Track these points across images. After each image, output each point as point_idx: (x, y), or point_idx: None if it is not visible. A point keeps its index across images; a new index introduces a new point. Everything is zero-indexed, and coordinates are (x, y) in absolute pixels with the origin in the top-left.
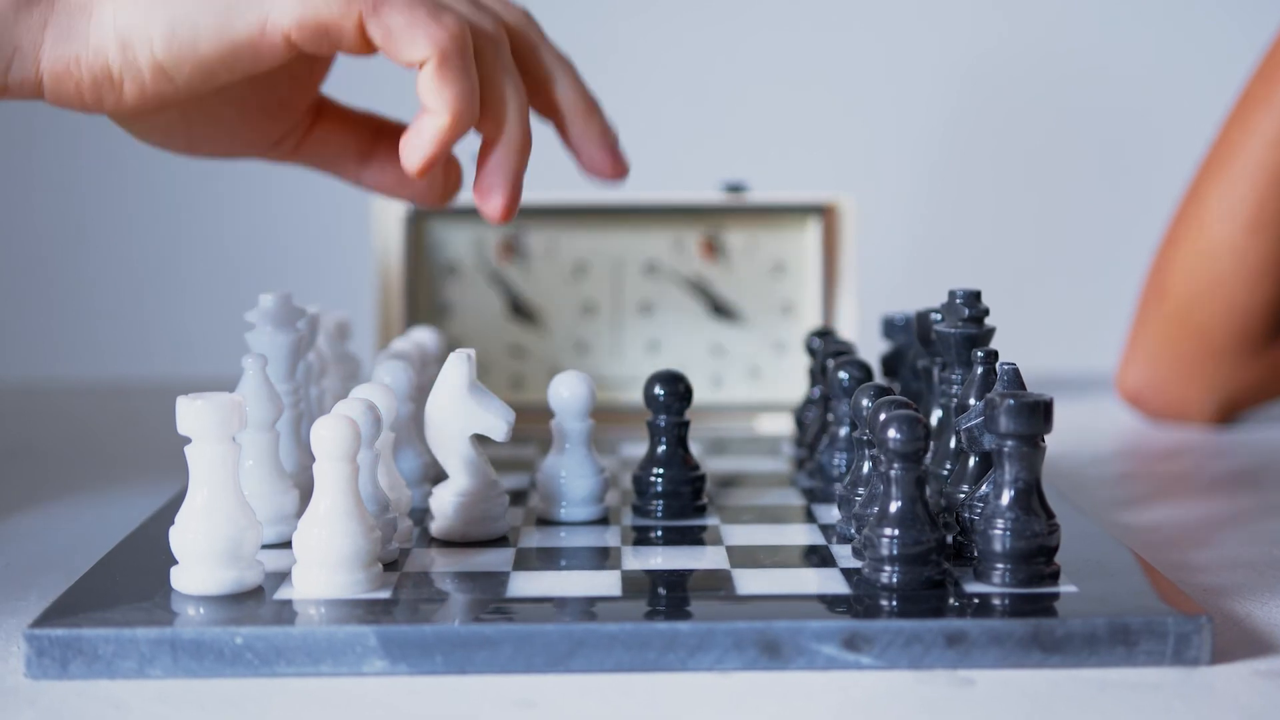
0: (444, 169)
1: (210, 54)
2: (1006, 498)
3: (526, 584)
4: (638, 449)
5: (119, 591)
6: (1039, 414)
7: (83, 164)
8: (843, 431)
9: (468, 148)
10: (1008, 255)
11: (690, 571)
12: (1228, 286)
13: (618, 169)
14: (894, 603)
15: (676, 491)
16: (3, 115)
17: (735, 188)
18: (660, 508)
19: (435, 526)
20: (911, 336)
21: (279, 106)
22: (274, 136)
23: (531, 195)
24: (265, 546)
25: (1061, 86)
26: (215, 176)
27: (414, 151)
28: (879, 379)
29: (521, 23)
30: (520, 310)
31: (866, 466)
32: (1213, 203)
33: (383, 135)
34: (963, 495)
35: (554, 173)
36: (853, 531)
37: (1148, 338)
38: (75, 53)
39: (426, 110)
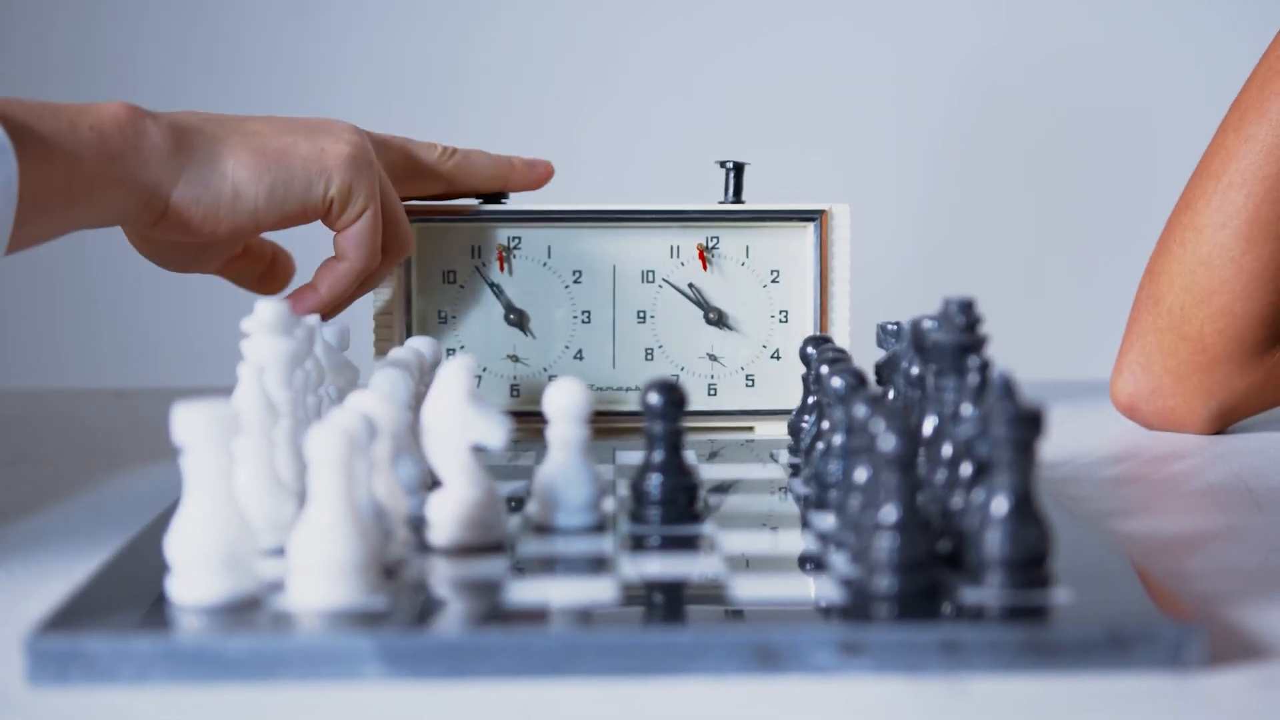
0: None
1: (290, 211)
2: (1001, 505)
3: (524, 592)
4: (634, 456)
5: (117, 600)
6: (1033, 422)
7: None
8: (838, 439)
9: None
10: (1002, 263)
11: (687, 578)
12: (1223, 295)
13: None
14: (890, 610)
15: (673, 498)
16: None
17: (734, 166)
18: (657, 514)
19: (432, 534)
20: (906, 344)
21: (242, 245)
22: (225, 262)
23: (529, 203)
24: (262, 554)
25: (1056, 96)
26: None
27: (301, 306)
28: (873, 387)
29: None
30: (517, 318)
31: (861, 474)
32: (1208, 211)
33: (276, 260)
34: (958, 502)
35: (550, 181)
36: (849, 539)
37: (1142, 346)
38: (197, 195)
39: (313, 287)
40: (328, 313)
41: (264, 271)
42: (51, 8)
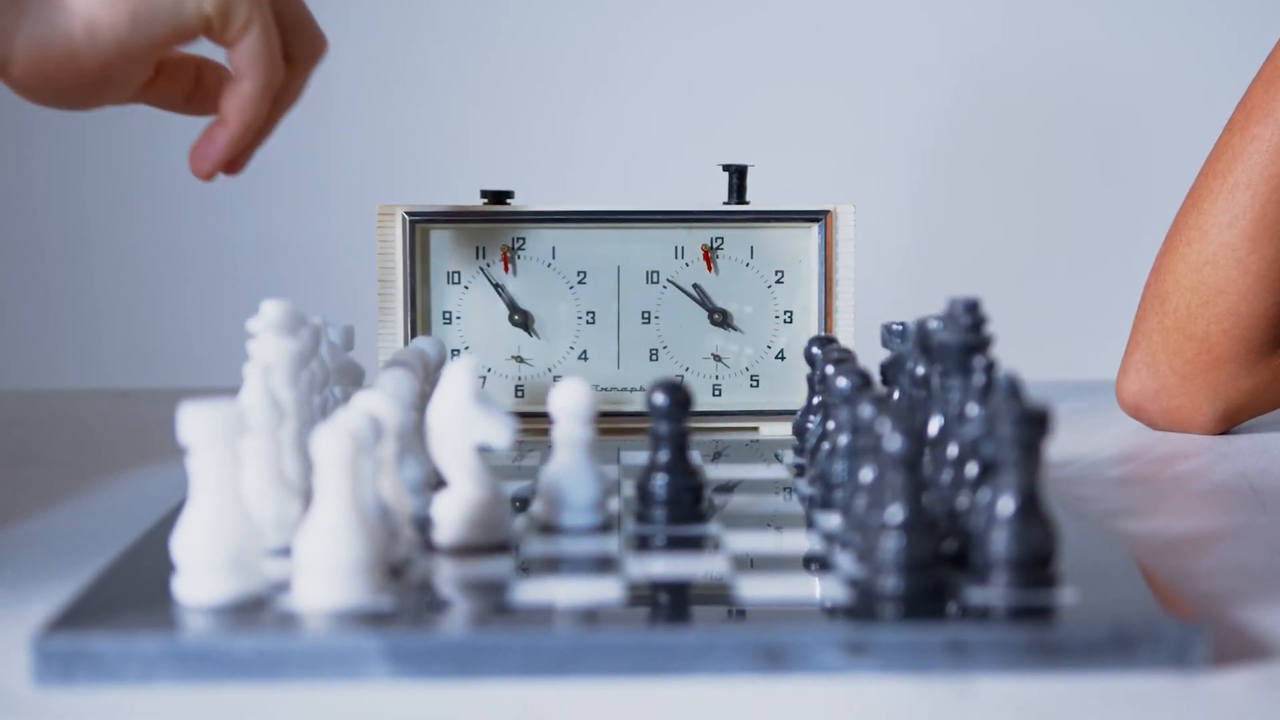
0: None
1: (162, 36)
2: (1006, 505)
3: (529, 591)
4: (639, 456)
5: (123, 600)
6: (1039, 421)
7: (87, 175)
8: (843, 439)
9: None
10: (1007, 263)
11: (692, 578)
12: (1229, 295)
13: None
14: (895, 610)
15: (678, 498)
16: (7, 129)
17: (736, 170)
18: (662, 514)
19: (438, 534)
20: (911, 344)
21: (153, 66)
22: (137, 88)
23: (533, 204)
24: (267, 554)
25: (1060, 94)
26: (220, 188)
27: (204, 160)
28: (878, 387)
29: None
30: (521, 318)
31: (866, 474)
32: (1214, 211)
33: (202, 72)
34: (963, 502)
35: (555, 182)
36: (854, 539)
37: (1148, 345)
38: (44, 38)
39: (222, 120)
40: (249, 143)
41: (190, 90)
42: None
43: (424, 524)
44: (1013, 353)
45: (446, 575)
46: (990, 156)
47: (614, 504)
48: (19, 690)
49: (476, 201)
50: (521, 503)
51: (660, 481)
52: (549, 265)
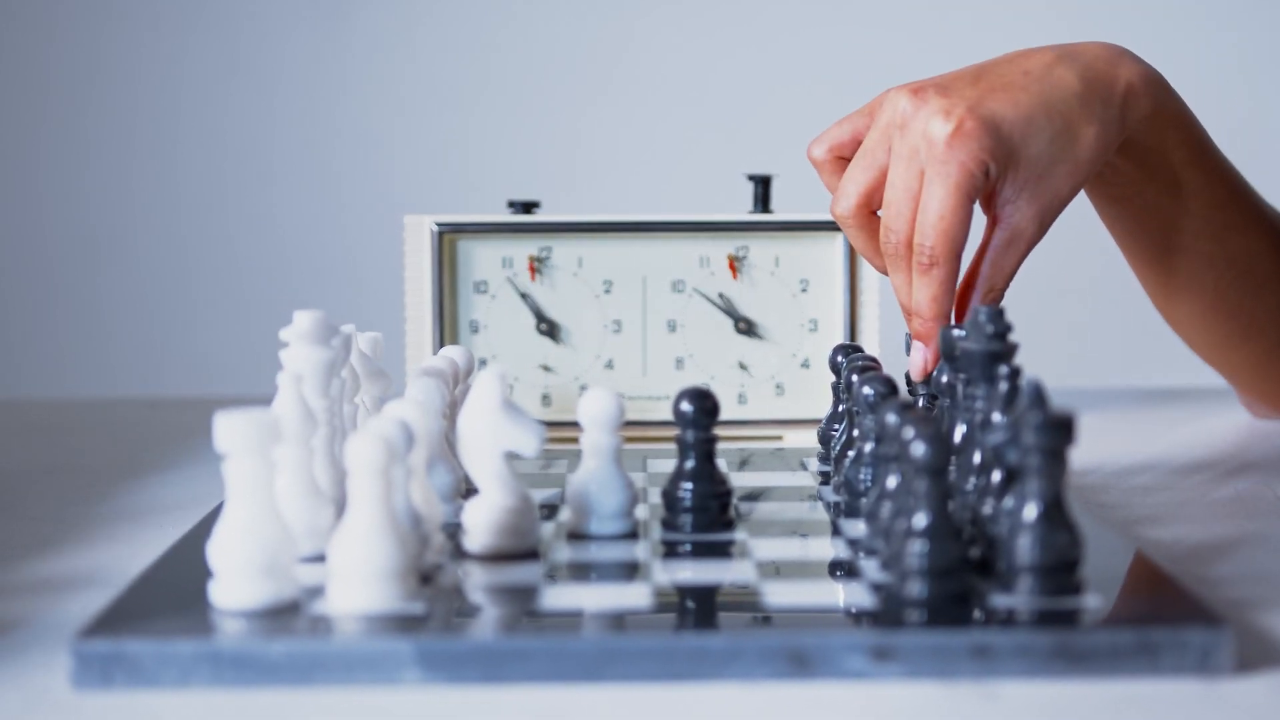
0: None
1: None
2: (1031, 511)
3: (558, 597)
4: (665, 464)
5: (160, 605)
6: (1063, 428)
7: (123, 191)
8: (868, 446)
9: None
10: (1031, 270)
11: (719, 584)
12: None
13: None
14: (921, 615)
15: (705, 506)
16: (22, 142)
17: (761, 179)
18: (689, 522)
19: (468, 541)
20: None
21: None
22: None
23: (560, 214)
24: (301, 560)
25: None
26: (246, 199)
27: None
28: (903, 395)
29: None
30: (548, 327)
31: (892, 481)
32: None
33: None
34: (988, 509)
35: (581, 192)
36: (879, 545)
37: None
38: None
39: None
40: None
41: None
42: (56, 4)
43: (454, 530)
44: (1036, 360)
45: (476, 581)
46: None
47: (641, 511)
48: (58, 693)
49: (503, 212)
50: (550, 510)
51: (687, 489)
52: (575, 275)
